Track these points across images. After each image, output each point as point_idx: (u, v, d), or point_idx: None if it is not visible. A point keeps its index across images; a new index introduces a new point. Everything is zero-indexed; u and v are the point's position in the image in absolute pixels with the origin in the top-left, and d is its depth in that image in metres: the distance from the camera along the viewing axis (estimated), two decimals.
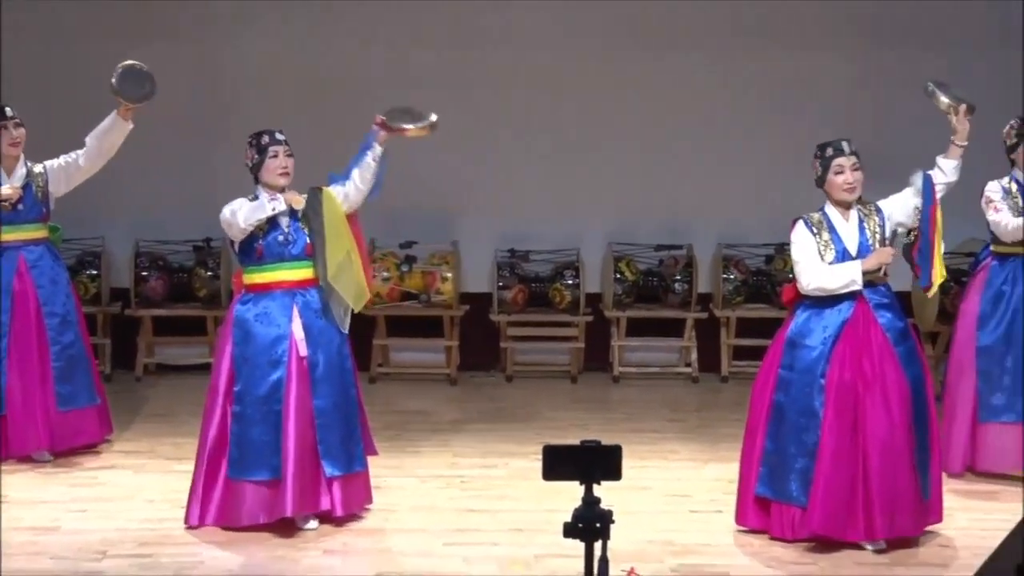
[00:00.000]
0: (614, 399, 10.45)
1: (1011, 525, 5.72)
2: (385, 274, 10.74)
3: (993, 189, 8.10)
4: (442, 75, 10.94)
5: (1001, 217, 8.03)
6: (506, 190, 11.10)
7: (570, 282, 10.88)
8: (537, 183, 11.07)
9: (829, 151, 6.98)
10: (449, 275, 10.79)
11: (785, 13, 10.96)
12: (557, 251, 11.06)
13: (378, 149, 7.37)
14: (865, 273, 6.85)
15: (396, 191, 10.81)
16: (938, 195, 6.97)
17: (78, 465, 8.31)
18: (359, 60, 10.92)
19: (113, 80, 7.90)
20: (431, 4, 10.92)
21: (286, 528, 7.09)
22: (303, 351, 7.13)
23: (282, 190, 7.19)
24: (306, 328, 7.16)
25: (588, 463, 4.57)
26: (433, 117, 7.56)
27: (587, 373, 10.94)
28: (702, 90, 11.03)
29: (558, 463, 4.60)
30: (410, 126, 7.48)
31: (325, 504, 7.16)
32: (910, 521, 6.80)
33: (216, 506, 7.12)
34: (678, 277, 10.93)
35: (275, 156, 7.20)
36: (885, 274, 6.97)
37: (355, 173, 7.31)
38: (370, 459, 7.44)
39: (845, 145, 6.98)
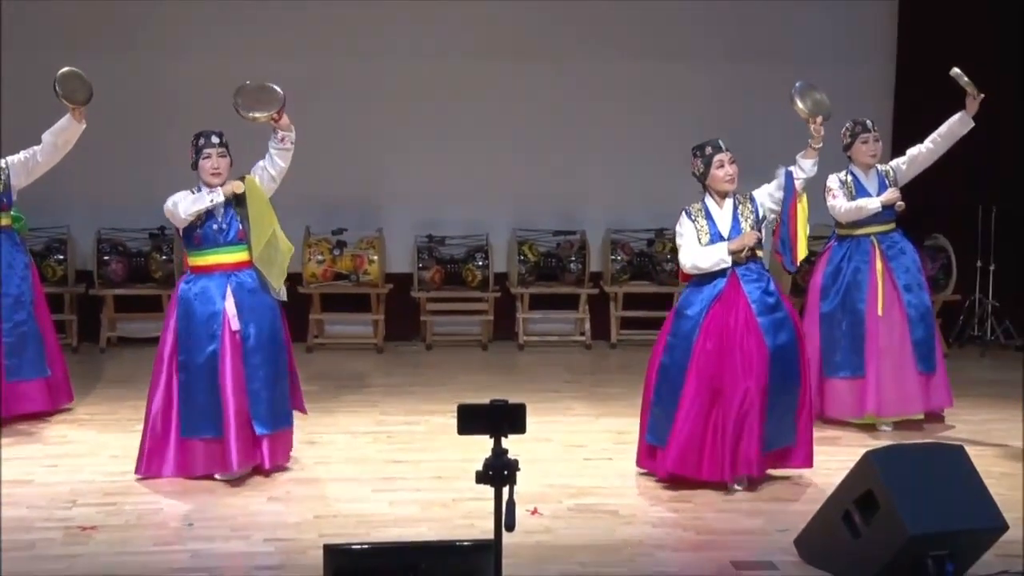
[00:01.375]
0: (519, 364, 10.50)
1: (851, 464, 5.88)
2: (319, 257, 10.72)
3: (832, 181, 8.26)
4: (364, 83, 10.93)
5: (837, 203, 8.21)
6: (424, 183, 11.07)
7: (480, 263, 10.91)
8: (450, 177, 11.05)
9: (708, 149, 7.03)
10: (375, 258, 10.77)
11: (661, 32, 11.04)
12: (469, 236, 11.06)
13: (285, 137, 7.30)
14: (732, 253, 6.91)
15: (328, 184, 10.89)
16: (799, 187, 7.05)
17: (48, 426, 8.23)
18: (290, 66, 10.83)
19: (55, 86, 7.76)
20: (350, 16, 10.87)
21: (232, 479, 7.09)
22: (235, 326, 7.08)
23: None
24: (239, 305, 7.11)
25: (497, 419, 4.61)
26: (278, 94, 7.33)
27: (496, 342, 10.97)
28: (591, 97, 11.06)
29: (471, 420, 4.64)
30: (260, 115, 7.25)
31: (258, 458, 7.16)
32: (754, 466, 6.85)
33: (172, 460, 7.09)
34: (573, 258, 10.99)
35: (208, 157, 7.15)
36: (755, 254, 7.01)
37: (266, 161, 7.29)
38: (308, 417, 7.49)
39: (721, 143, 7.05)
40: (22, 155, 8.15)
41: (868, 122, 8.33)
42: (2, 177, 8.14)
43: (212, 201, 7.11)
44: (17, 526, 6.44)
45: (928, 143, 8.32)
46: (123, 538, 6.30)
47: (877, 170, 8.30)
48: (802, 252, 7.14)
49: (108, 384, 9.41)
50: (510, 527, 4.61)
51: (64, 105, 7.85)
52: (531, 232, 11.09)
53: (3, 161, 8.16)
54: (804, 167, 7.11)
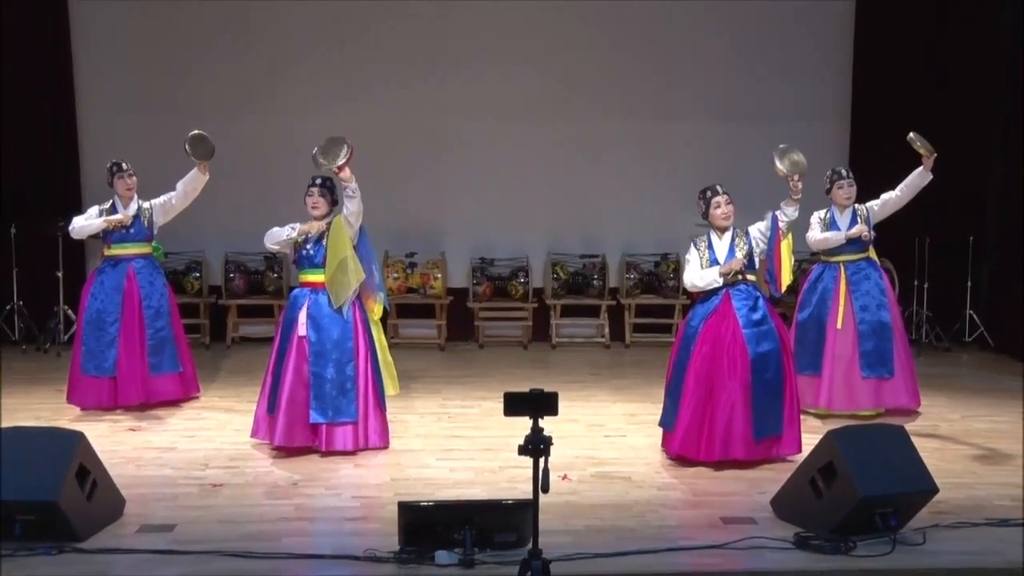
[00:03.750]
0: (552, 360, 10.46)
1: (814, 443, 5.86)
2: (395, 275, 10.77)
3: (814, 217, 8.14)
4: (432, 137, 10.96)
5: (810, 234, 8.10)
6: (478, 217, 11.09)
7: (522, 280, 10.91)
8: (498, 212, 11.07)
9: (708, 193, 6.98)
10: (439, 276, 10.80)
11: (663, 97, 11.04)
12: (513, 259, 11.06)
13: (347, 187, 7.00)
14: (722, 275, 6.85)
15: (402, 218, 10.94)
16: (783, 228, 6.93)
17: (187, 406, 8.30)
18: (378, 122, 10.88)
19: (186, 146, 7.79)
20: (426, 87, 10.90)
21: (327, 452, 7.08)
22: (301, 332, 7.01)
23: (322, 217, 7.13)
24: (312, 317, 7.02)
25: (535, 404, 4.63)
26: (339, 151, 6.98)
27: (534, 343, 10.95)
28: (609, 148, 11.08)
29: (515, 404, 4.66)
30: (324, 164, 6.98)
31: (309, 440, 6.98)
32: (741, 450, 6.74)
33: (279, 430, 7.01)
34: (595, 277, 10.99)
35: (310, 195, 7.17)
36: (745, 277, 6.89)
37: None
38: (391, 397, 7.25)
39: (719, 187, 6.98)
40: (162, 199, 8.17)
41: (843, 170, 8.18)
42: (148, 215, 8.16)
43: (288, 236, 7.13)
44: (165, 482, 6.54)
45: (897, 191, 8.10)
46: (243, 493, 6.35)
47: (854, 209, 8.10)
48: (786, 281, 7.01)
49: (232, 374, 9.47)
50: (545, 489, 4.64)
51: (192, 161, 7.89)
52: (562, 255, 11.09)
53: (148, 203, 8.18)
54: (787, 213, 6.97)
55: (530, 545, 4.74)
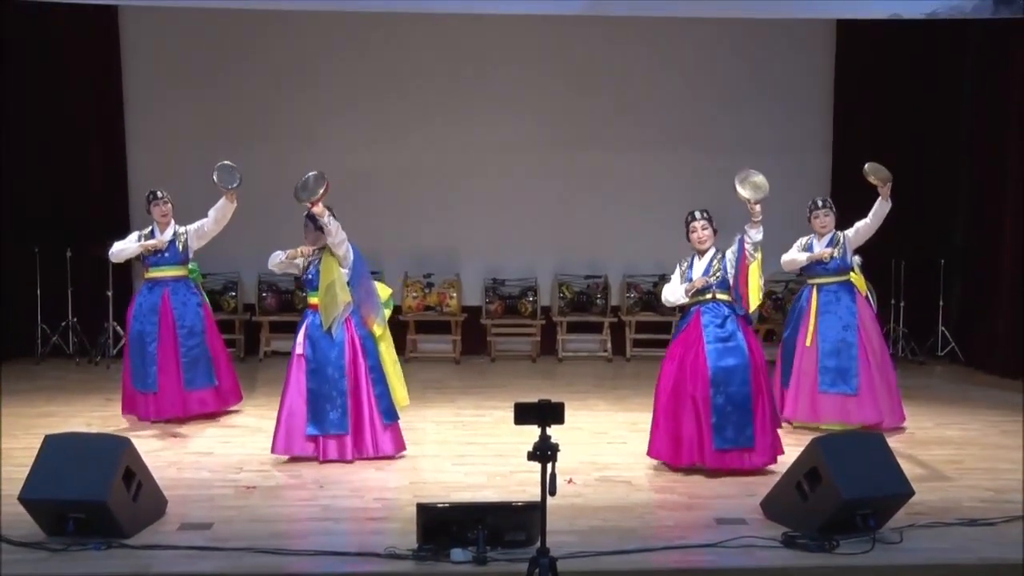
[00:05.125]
0: (559, 373, 10.44)
1: (800, 449, 5.84)
2: (414, 294, 10.77)
3: (796, 242, 8.08)
4: (448, 170, 11.00)
5: (784, 256, 8.01)
6: (490, 241, 11.10)
7: (531, 299, 10.90)
8: (509, 236, 11.08)
9: (688, 218, 6.95)
10: (454, 295, 10.80)
11: (660, 131, 11.05)
12: (522, 279, 11.05)
13: (320, 220, 6.86)
14: (687, 293, 6.78)
15: (421, 242, 10.99)
16: (748, 250, 6.76)
17: (225, 415, 8.29)
18: (396, 154, 10.97)
19: (214, 176, 7.67)
20: (440, 117, 10.97)
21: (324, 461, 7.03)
22: (299, 350, 6.99)
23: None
24: (310, 336, 6.97)
25: (543, 413, 4.62)
26: (316, 193, 6.77)
27: (542, 357, 10.91)
28: (609, 177, 11.09)
29: (524, 413, 4.65)
30: (304, 199, 6.84)
31: (307, 450, 6.90)
32: (708, 459, 6.62)
33: (279, 440, 7.00)
34: (599, 296, 10.98)
35: (306, 227, 7.04)
36: (714, 296, 6.79)
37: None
38: (404, 409, 7.17)
39: (697, 213, 6.92)
40: (196, 225, 8.05)
41: (819, 200, 8.06)
42: (183, 240, 8.07)
43: (279, 259, 7.08)
44: (202, 484, 6.54)
45: (867, 219, 7.98)
46: (274, 495, 6.35)
47: (832, 236, 7.98)
48: (753, 301, 6.82)
49: (264, 384, 9.44)
50: (552, 492, 4.62)
51: (220, 190, 7.78)
52: (568, 276, 11.07)
53: (183, 228, 8.07)
54: (751, 235, 6.77)
55: (538, 544, 4.73)
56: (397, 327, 10.78)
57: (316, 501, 6.22)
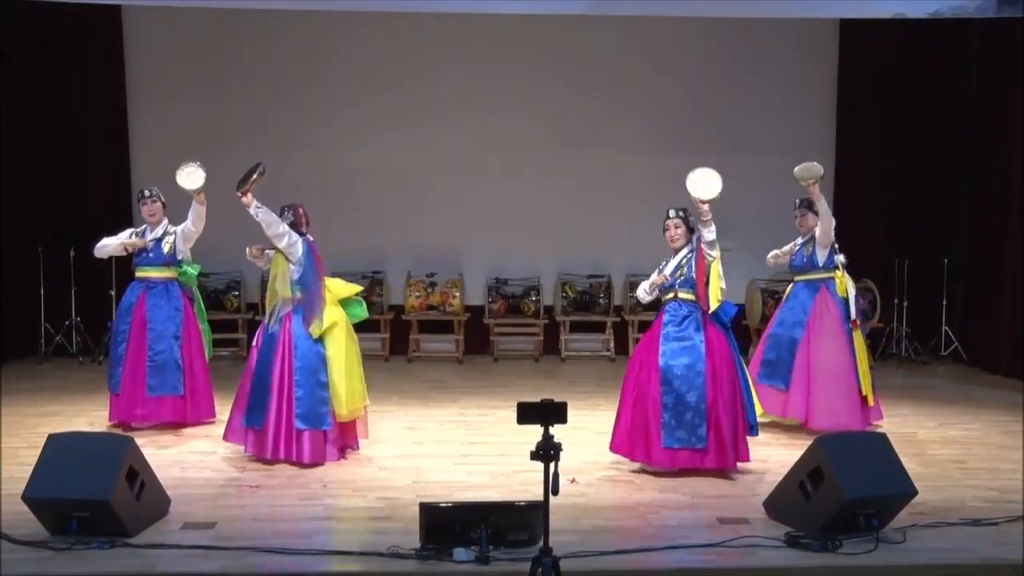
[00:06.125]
0: (561, 372, 10.44)
1: (799, 452, 5.84)
2: (417, 294, 10.77)
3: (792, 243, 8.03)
4: (452, 170, 10.99)
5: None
6: (493, 241, 11.09)
7: (534, 298, 10.90)
8: (512, 236, 11.06)
9: (665, 217, 6.92)
10: (457, 294, 10.80)
11: (662, 131, 11.04)
12: (525, 279, 11.05)
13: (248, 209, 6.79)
14: (653, 292, 6.80)
15: (424, 242, 10.99)
16: (704, 249, 6.67)
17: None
18: (402, 155, 10.97)
19: (177, 177, 7.43)
20: (447, 121, 10.97)
21: (353, 456, 7.07)
22: (255, 343, 6.99)
23: None
24: (264, 330, 6.95)
25: (546, 413, 4.60)
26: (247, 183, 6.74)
27: (545, 356, 10.91)
28: (612, 178, 11.08)
29: (527, 413, 4.64)
30: (237, 190, 6.79)
31: (243, 441, 6.85)
32: (658, 457, 6.57)
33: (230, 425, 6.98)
34: (601, 295, 10.98)
35: None
36: (676, 296, 6.73)
37: None
38: (408, 408, 7.14)
39: (672, 212, 6.86)
40: (180, 227, 7.77)
41: (796, 201, 7.98)
42: (170, 240, 7.81)
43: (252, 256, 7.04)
44: (206, 483, 6.53)
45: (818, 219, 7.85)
46: (277, 494, 6.34)
47: (810, 235, 7.86)
48: (713, 301, 6.71)
49: None
50: (555, 492, 4.61)
51: (188, 193, 7.51)
52: (571, 276, 11.07)
53: (175, 228, 7.81)
54: (704, 235, 6.69)
55: (541, 543, 4.72)
56: (400, 326, 10.84)
57: (319, 500, 6.22)
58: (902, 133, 10.96)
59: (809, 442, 5.84)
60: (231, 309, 10.65)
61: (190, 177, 7.49)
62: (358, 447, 7.16)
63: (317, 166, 10.81)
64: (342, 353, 6.88)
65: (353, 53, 10.97)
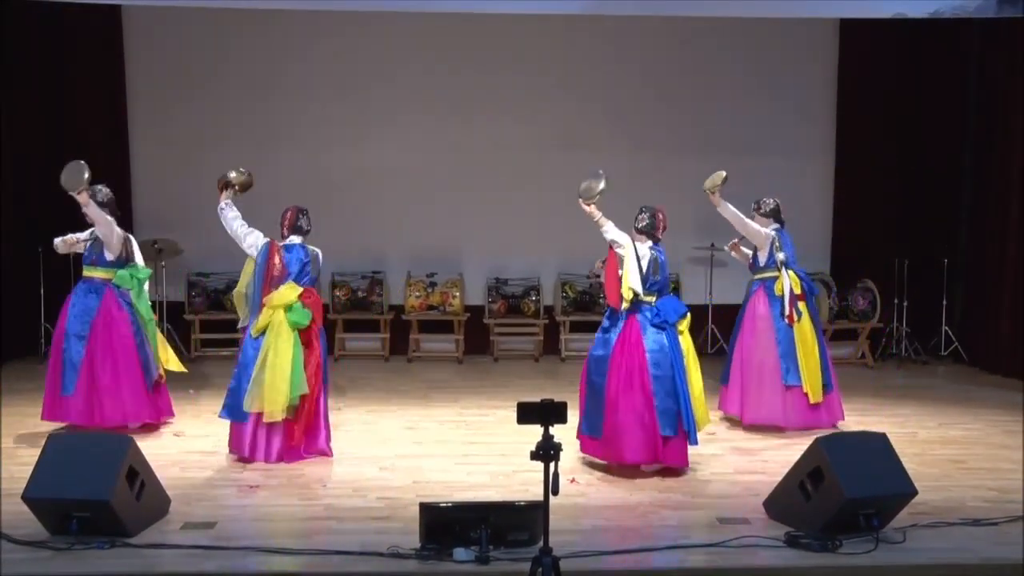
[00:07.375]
0: (561, 372, 10.41)
1: (799, 452, 5.83)
2: (417, 294, 10.76)
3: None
4: (452, 172, 10.99)
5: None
6: (493, 241, 11.08)
7: (534, 298, 10.89)
8: (512, 237, 11.06)
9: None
10: (457, 294, 10.79)
11: (661, 132, 11.06)
12: (525, 278, 11.04)
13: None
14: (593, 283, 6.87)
15: (424, 242, 10.99)
16: (610, 245, 6.84)
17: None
18: (404, 160, 10.97)
19: (61, 178, 7.20)
20: (444, 125, 10.97)
21: (353, 456, 7.10)
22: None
23: None
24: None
25: (546, 413, 4.61)
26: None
27: (545, 356, 10.90)
28: (616, 180, 10.85)
29: (527, 413, 4.65)
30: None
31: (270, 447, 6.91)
32: (581, 442, 6.77)
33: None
34: (601, 295, 10.96)
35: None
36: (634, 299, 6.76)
37: None
38: (407, 408, 7.13)
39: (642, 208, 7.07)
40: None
41: (752, 204, 8.05)
42: (101, 243, 7.57)
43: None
44: (207, 483, 6.54)
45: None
46: (277, 494, 6.34)
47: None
48: (610, 298, 6.83)
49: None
50: (555, 492, 4.61)
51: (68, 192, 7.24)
52: (571, 275, 11.06)
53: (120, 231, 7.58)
54: (606, 229, 6.95)
55: (541, 543, 4.72)
56: (401, 326, 10.83)
57: (319, 500, 6.22)
58: (902, 133, 10.96)
59: (809, 442, 5.84)
60: (230, 308, 10.61)
61: (74, 176, 7.24)
62: (329, 453, 7.08)
63: (317, 166, 10.82)
64: (267, 353, 6.84)
65: (354, 53, 10.96)
